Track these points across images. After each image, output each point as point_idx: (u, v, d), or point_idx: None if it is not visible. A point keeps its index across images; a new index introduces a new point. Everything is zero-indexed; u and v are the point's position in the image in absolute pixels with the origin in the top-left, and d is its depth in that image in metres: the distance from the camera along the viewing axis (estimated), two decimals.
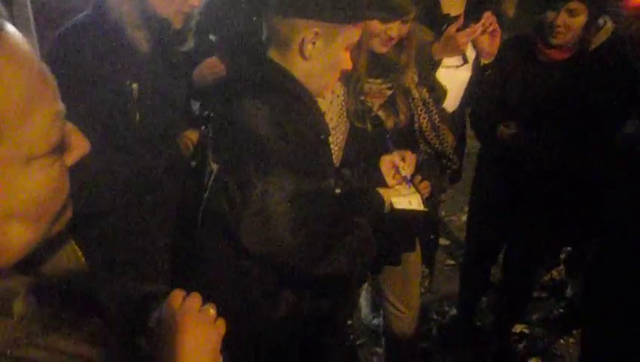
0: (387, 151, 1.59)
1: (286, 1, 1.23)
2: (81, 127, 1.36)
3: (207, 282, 1.39)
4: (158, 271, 1.76)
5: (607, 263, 1.66)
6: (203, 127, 1.65)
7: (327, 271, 1.25)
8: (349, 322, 2.22)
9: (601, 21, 2.04)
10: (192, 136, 1.68)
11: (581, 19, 1.95)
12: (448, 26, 1.93)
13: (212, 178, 1.29)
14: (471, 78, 2.09)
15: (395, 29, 1.60)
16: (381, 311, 2.16)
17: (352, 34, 1.29)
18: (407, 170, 1.53)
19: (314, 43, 1.24)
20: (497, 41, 1.97)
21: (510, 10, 2.42)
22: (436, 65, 1.97)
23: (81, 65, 1.44)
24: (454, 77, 2.05)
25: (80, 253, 0.85)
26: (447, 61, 2.01)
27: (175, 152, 1.64)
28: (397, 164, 1.53)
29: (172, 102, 1.64)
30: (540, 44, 2.06)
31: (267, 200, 1.19)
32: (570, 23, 1.96)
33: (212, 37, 1.86)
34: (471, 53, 2.05)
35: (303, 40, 1.24)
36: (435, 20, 2.01)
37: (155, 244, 1.73)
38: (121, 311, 0.96)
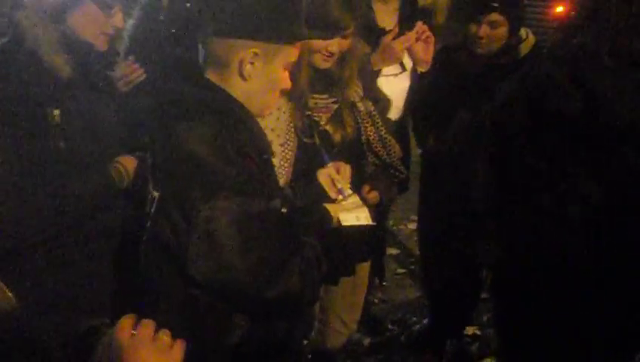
0: (323, 164, 1.60)
1: (223, 21, 1.21)
2: (5, 158, 1.31)
3: (155, 313, 1.33)
4: (100, 304, 1.69)
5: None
6: (137, 153, 1.61)
7: (278, 294, 1.23)
8: (305, 342, 2.19)
9: (523, 33, 2.12)
10: (125, 162, 1.61)
11: (502, 30, 2.03)
12: (383, 37, 1.99)
13: (154, 206, 1.25)
14: (410, 86, 2.15)
15: (336, 44, 1.62)
16: (315, 324, 2.15)
17: (290, 53, 1.29)
18: (342, 182, 1.54)
19: (252, 63, 1.23)
20: (431, 49, 2.06)
21: (440, 19, 2.51)
22: (376, 75, 2.02)
23: (0, 94, 1.40)
24: (394, 85, 2.13)
25: (7, 291, 0.79)
26: (386, 70, 2.09)
27: (105, 180, 1.58)
28: (332, 176, 1.54)
29: (100, 128, 1.59)
30: (463, 55, 2.14)
31: (213, 225, 1.16)
32: (491, 34, 2.03)
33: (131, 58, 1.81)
34: (408, 61, 2.13)
35: (241, 60, 1.22)
36: (370, 33, 2.06)
37: (95, 275, 1.66)
38: (63, 350, 0.90)
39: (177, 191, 1.19)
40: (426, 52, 2.06)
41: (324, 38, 1.60)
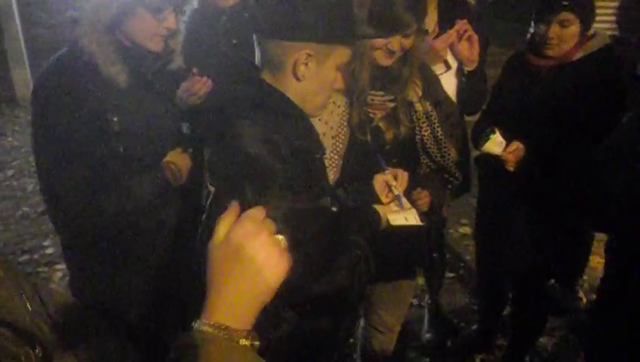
0: (380, 169, 1.59)
1: (278, 24, 1.25)
2: (69, 165, 1.40)
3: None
4: (160, 297, 1.77)
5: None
6: (190, 149, 1.66)
7: (326, 290, 1.26)
8: (351, 340, 2.21)
9: (593, 30, 2.02)
10: (179, 160, 1.67)
11: (573, 29, 1.94)
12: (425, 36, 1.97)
13: (210, 199, 1.30)
14: (458, 86, 2.11)
15: (396, 43, 1.59)
16: (361, 323, 2.16)
17: (343, 53, 1.31)
18: (399, 188, 1.54)
19: (307, 64, 1.26)
20: (476, 47, 2.00)
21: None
22: (436, 77, 2.00)
23: (62, 105, 1.49)
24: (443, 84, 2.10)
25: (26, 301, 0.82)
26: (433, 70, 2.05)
27: (161, 180, 1.64)
28: (390, 183, 1.54)
29: (156, 129, 1.65)
30: (529, 55, 2.07)
31: None
32: (562, 34, 1.94)
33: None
34: (453, 60, 2.08)
35: (295, 62, 1.25)
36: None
37: (152, 268, 1.74)
38: None
39: (231, 186, 1.24)
40: (471, 51, 2.01)
41: (385, 37, 1.59)
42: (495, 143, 2.01)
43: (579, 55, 1.98)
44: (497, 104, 2.18)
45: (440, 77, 2.04)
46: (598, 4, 2.13)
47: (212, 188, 1.30)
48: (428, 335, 2.76)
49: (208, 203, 1.30)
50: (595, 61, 1.96)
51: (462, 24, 1.98)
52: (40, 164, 1.57)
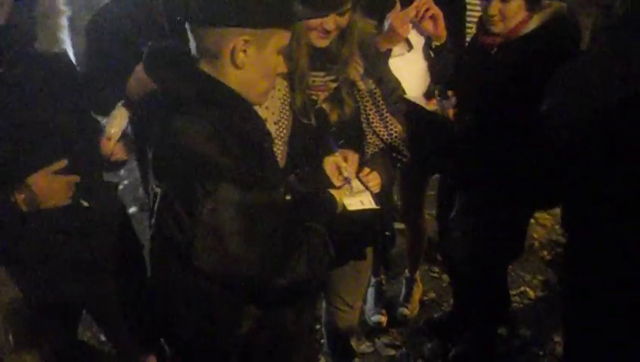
0: (330, 151, 1.57)
1: (210, 10, 1.19)
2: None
3: (165, 309, 1.35)
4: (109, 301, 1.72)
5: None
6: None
7: (287, 282, 1.24)
8: (317, 326, 2.21)
9: (545, 1, 1.87)
10: (37, 180, 1.44)
11: (515, 3, 1.81)
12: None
13: (157, 202, 1.24)
14: (427, 63, 2.04)
15: (332, 22, 1.56)
16: (323, 305, 2.15)
17: (283, 37, 1.26)
18: (349, 170, 1.52)
19: (245, 51, 1.21)
20: (441, 22, 1.92)
21: None
22: (384, 55, 1.94)
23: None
24: (407, 64, 2.03)
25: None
26: (395, 50, 1.99)
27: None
28: (340, 165, 1.52)
29: (10, 127, 1.42)
30: (479, 34, 1.98)
31: (217, 218, 1.15)
32: (504, 9, 1.82)
33: None
34: (418, 38, 2.01)
35: (233, 49, 1.20)
36: (381, 10, 1.98)
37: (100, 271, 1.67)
38: None
39: (179, 186, 1.19)
40: (437, 27, 1.91)
41: (319, 17, 1.55)
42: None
43: (529, 28, 1.86)
44: (456, 85, 2.07)
45: (403, 57, 2.00)
46: None
47: (158, 190, 1.24)
48: (374, 317, 2.72)
49: (156, 206, 1.24)
50: (544, 34, 1.84)
51: (420, 0, 1.89)
52: None
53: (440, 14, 1.92)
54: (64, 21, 1.50)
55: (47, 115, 1.45)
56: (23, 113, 1.41)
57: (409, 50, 2.01)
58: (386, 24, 1.93)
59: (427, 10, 1.90)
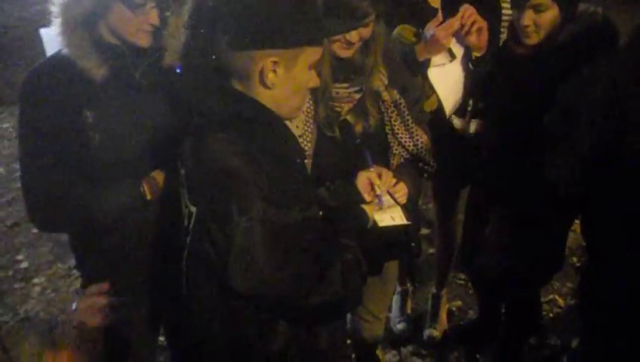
0: (365, 165, 1.56)
1: (236, 34, 1.18)
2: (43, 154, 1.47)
3: (199, 325, 1.35)
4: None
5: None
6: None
7: (321, 301, 1.23)
8: (348, 341, 2.19)
9: (582, 7, 1.80)
10: (160, 176, 1.62)
11: (550, 14, 1.74)
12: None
13: (192, 221, 1.24)
14: (465, 75, 2.00)
15: (355, 33, 1.56)
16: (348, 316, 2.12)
17: (313, 53, 1.25)
18: (382, 188, 1.51)
19: (275, 71, 1.20)
20: (484, 34, 1.87)
21: None
22: (422, 65, 1.93)
23: (40, 99, 1.52)
24: (446, 74, 2.01)
25: None
26: (436, 59, 1.96)
27: (135, 192, 1.59)
28: (373, 182, 1.51)
29: (138, 127, 1.59)
30: (511, 43, 1.90)
31: (251, 238, 1.15)
32: (538, 20, 1.75)
33: None
34: (458, 49, 1.97)
35: (261, 70, 1.19)
36: (422, 19, 1.95)
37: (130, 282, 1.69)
38: None
39: (213, 205, 1.19)
40: (480, 39, 1.85)
41: (343, 31, 1.53)
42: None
43: (564, 37, 1.78)
44: (486, 96, 2.03)
45: (444, 67, 1.96)
46: None
47: (193, 209, 1.24)
48: (399, 325, 2.72)
49: (191, 224, 1.25)
50: (580, 44, 1.76)
51: (466, 10, 1.83)
52: (20, 158, 1.61)
53: (485, 26, 1.87)
54: None
55: (169, 118, 1.62)
56: (151, 114, 1.60)
57: (451, 61, 1.97)
58: (427, 33, 1.89)
59: (473, 23, 1.84)
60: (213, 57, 1.26)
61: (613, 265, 1.57)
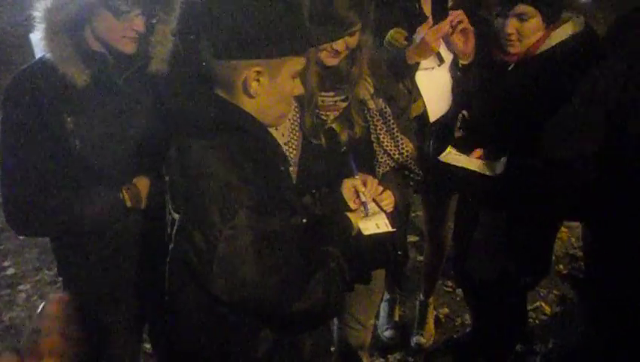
0: (350, 173, 1.57)
1: (220, 44, 1.19)
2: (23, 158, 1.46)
3: (181, 332, 1.35)
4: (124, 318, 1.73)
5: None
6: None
7: (304, 308, 1.23)
8: (332, 348, 2.19)
9: (564, 15, 1.82)
10: (141, 184, 1.61)
11: (533, 22, 1.76)
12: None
13: (175, 228, 1.24)
14: (452, 80, 2.02)
15: (341, 42, 1.57)
16: (334, 323, 2.13)
17: (297, 62, 1.26)
18: (367, 195, 1.52)
19: (258, 80, 1.21)
20: (471, 40, 1.90)
21: None
22: (411, 69, 1.95)
23: (21, 103, 1.52)
24: (433, 79, 2.03)
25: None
26: (424, 63, 1.98)
27: (115, 199, 1.58)
28: (359, 189, 1.52)
29: (120, 133, 1.59)
30: (494, 50, 1.92)
31: (234, 245, 1.15)
32: (521, 28, 1.77)
33: None
34: (447, 54, 2.00)
35: (245, 80, 1.20)
36: (413, 24, 1.97)
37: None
38: None
39: (197, 212, 1.19)
40: (466, 44, 1.89)
41: (329, 40, 1.54)
42: (452, 159, 1.93)
43: (548, 45, 1.81)
44: (464, 103, 2.05)
45: (432, 72, 1.98)
46: None
47: (176, 216, 1.24)
48: (387, 333, 2.71)
49: (174, 231, 1.25)
50: (560, 52, 1.79)
51: (456, 14, 1.86)
52: (1, 162, 1.58)
53: (471, 30, 1.90)
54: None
55: (153, 126, 1.61)
56: (134, 121, 1.60)
57: (439, 65, 1.99)
58: (417, 37, 1.91)
59: (460, 22, 1.88)
60: (199, 65, 1.27)
61: (613, 265, 1.59)
